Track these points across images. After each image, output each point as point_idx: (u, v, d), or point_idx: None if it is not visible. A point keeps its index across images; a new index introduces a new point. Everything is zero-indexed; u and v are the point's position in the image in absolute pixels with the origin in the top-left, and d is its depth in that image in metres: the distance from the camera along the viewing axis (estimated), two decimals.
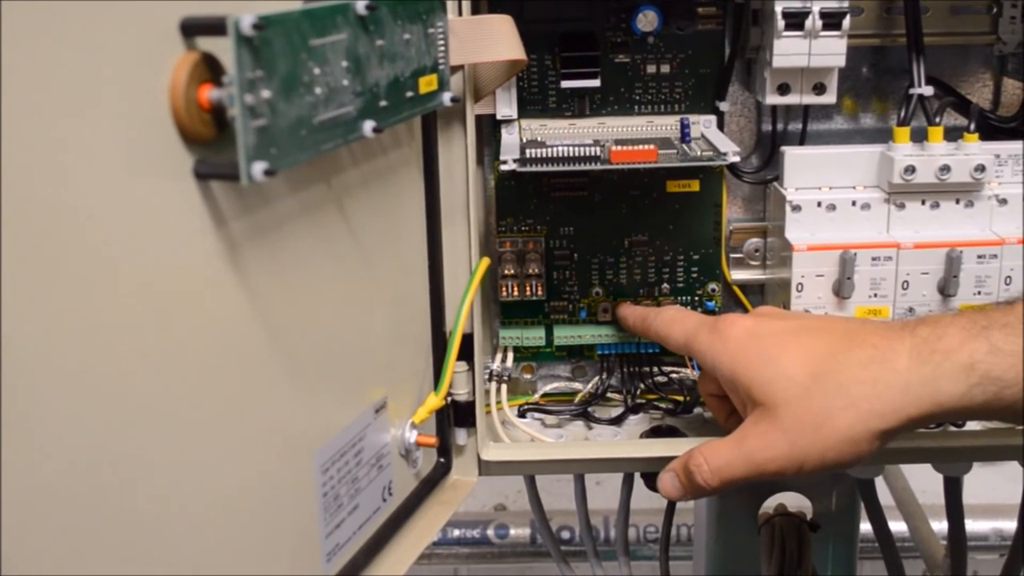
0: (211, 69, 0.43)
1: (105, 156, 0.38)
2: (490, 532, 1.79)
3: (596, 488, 1.09)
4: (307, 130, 0.45)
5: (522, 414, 0.78)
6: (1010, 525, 1.69)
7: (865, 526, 0.91)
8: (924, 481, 1.06)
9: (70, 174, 0.37)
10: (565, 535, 1.70)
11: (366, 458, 0.60)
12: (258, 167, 0.41)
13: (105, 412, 0.39)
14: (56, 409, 0.37)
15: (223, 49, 0.41)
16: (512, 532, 1.79)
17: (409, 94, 0.55)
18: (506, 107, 0.72)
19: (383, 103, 0.52)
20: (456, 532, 1.78)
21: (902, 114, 0.72)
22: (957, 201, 0.73)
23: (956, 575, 0.89)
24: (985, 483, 1.56)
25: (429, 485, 0.68)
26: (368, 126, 0.50)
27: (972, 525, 1.58)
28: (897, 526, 0.93)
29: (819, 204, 0.73)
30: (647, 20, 0.71)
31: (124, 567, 0.41)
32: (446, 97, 0.60)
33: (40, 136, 0.35)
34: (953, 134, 0.73)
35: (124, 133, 0.39)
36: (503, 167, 0.67)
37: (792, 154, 0.74)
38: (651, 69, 0.75)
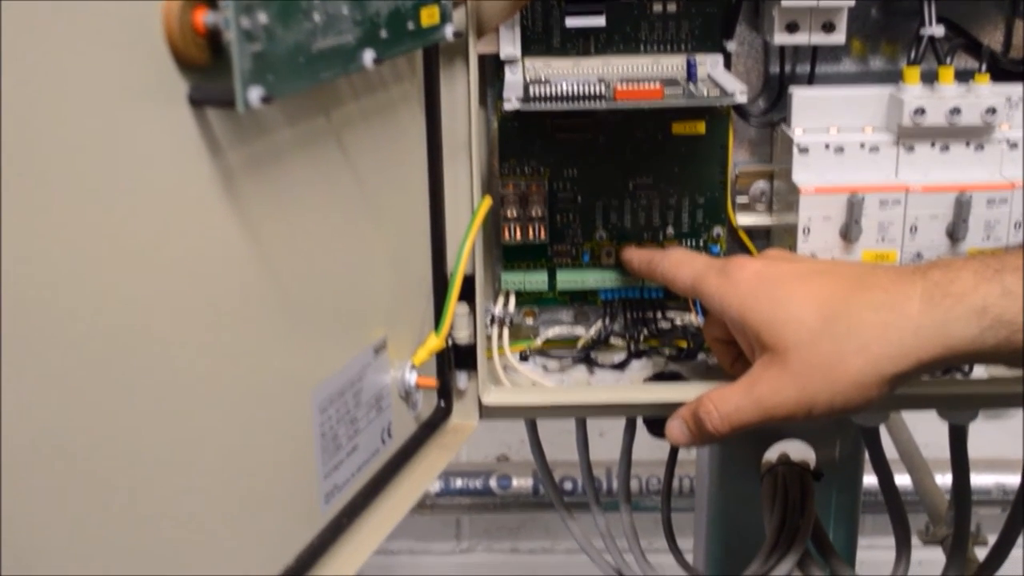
0: None
1: (98, 81, 0.37)
2: (492, 482, 1.79)
3: (599, 439, 1.08)
4: (305, 58, 0.44)
5: (524, 359, 0.78)
6: (1013, 479, 1.70)
7: (868, 479, 0.91)
8: (927, 434, 1.05)
9: (61, 100, 0.36)
10: (567, 486, 1.70)
11: (365, 399, 0.59)
12: (254, 93, 0.40)
13: (94, 347, 0.38)
14: (45, 343, 0.36)
15: None
16: (514, 483, 1.79)
17: (410, 26, 0.54)
18: (509, 45, 0.71)
19: (383, 34, 0.51)
20: (458, 482, 1.79)
21: (912, 55, 0.71)
22: (967, 144, 0.72)
23: (961, 525, 0.89)
24: (988, 437, 1.56)
25: (429, 428, 0.68)
26: (368, 56, 0.49)
27: (975, 479, 1.57)
28: (900, 479, 0.92)
29: (827, 146, 0.72)
30: None
31: (119, 506, 0.40)
32: (448, 31, 0.58)
33: (30, 60, 0.34)
34: (964, 77, 0.72)
35: (117, 57, 0.38)
36: (507, 106, 0.66)
37: (800, 95, 0.73)
38: (657, 8, 0.73)
